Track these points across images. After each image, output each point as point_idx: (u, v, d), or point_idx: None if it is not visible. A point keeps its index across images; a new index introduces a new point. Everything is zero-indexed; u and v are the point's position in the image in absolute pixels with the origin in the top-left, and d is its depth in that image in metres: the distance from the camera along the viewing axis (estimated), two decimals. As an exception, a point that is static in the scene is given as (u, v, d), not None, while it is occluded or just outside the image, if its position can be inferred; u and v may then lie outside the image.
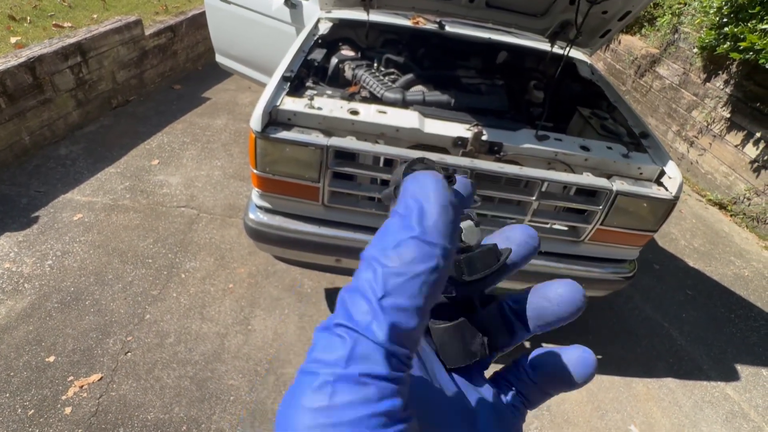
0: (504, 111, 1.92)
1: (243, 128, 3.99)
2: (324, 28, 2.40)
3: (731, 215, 3.89)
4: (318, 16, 2.47)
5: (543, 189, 1.62)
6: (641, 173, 1.75)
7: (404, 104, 1.85)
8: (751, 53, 3.10)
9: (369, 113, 1.68)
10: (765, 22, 2.92)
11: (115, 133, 3.69)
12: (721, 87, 4.18)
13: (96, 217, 2.70)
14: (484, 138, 1.64)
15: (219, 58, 3.78)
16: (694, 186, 4.37)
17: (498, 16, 2.25)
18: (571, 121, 2.20)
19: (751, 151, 3.81)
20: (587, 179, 1.64)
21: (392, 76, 2.15)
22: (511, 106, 2.21)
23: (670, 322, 2.66)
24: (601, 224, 1.72)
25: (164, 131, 3.84)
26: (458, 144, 1.68)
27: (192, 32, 5.14)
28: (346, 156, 1.64)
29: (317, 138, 1.57)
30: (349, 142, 1.58)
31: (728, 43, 3.41)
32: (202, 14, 4.90)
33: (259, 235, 1.81)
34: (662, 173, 1.73)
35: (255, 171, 1.67)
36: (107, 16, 4.17)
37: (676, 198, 1.65)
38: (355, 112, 1.67)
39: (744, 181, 3.86)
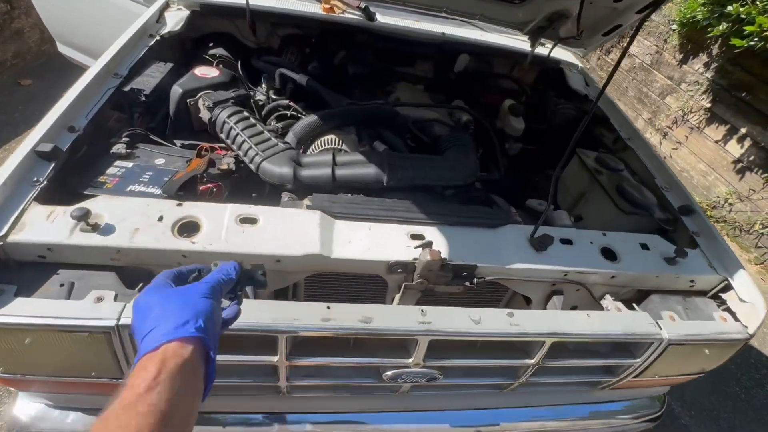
0: (473, 183, 1.15)
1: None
2: (174, 20, 1.44)
3: (711, 221, 3.50)
4: (165, -2, 1.50)
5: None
6: (692, 285, 1.09)
7: (297, 185, 1.03)
8: (756, 40, 2.52)
9: (220, 226, 0.84)
10: (778, 1, 2.33)
11: None
12: (701, 71, 3.66)
13: None
14: (443, 258, 0.88)
15: (61, 48, 2.65)
16: (667, 183, 3.95)
17: (457, 3, 1.42)
18: (567, 170, 1.48)
19: (734, 148, 3.37)
20: (623, 324, 0.95)
21: (285, 118, 1.29)
22: (481, 147, 1.45)
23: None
24: (635, 377, 1.06)
25: (-6, 157, 2.69)
26: (398, 271, 0.91)
27: (44, 1, 3.76)
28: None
29: (94, 308, 0.73)
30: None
31: (726, 24, 2.81)
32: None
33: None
34: (727, 286, 1.08)
35: (-20, 370, 0.80)
36: None
37: (752, 335, 1.02)
38: (191, 228, 0.83)
39: (725, 183, 3.45)
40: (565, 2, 1.36)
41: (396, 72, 1.65)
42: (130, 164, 1.00)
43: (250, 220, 0.87)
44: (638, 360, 0.99)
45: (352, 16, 1.57)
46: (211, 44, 1.54)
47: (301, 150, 1.19)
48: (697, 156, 3.71)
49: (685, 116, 3.80)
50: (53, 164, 0.87)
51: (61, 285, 0.76)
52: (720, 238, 1.15)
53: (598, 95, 0.94)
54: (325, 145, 1.16)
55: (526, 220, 1.09)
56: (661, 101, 4.10)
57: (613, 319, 0.96)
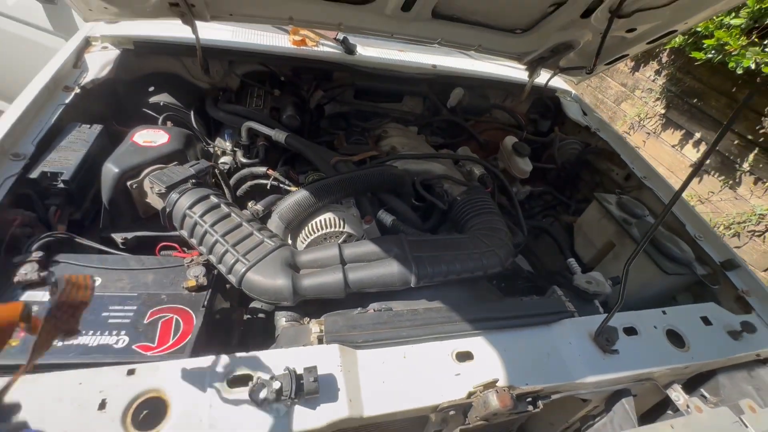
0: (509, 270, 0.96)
1: None
2: (99, 63, 1.11)
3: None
4: (85, 34, 1.16)
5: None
6: (758, 355, 0.97)
7: (297, 299, 0.77)
8: (714, 53, 2.59)
9: (200, 400, 0.57)
10: (734, 15, 2.40)
11: None
12: (653, 78, 3.80)
13: None
14: (514, 399, 0.67)
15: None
16: (629, 186, 4.06)
17: (453, 35, 1.22)
18: (586, 216, 1.34)
19: (691, 152, 3.51)
20: (710, 429, 0.79)
21: (263, 189, 1.02)
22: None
23: None
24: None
25: None
26: (450, 414, 0.69)
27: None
28: None
29: None
30: None
31: (682, 36, 2.88)
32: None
33: None
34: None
35: None
36: None
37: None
38: (154, 412, 0.56)
39: (685, 186, 3.58)
40: (575, 33, 1.21)
41: (382, 111, 1.42)
42: (47, 295, 0.69)
43: (243, 380, 0.60)
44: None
45: (329, 49, 1.32)
46: (151, 88, 1.22)
47: (289, 235, 0.93)
48: (656, 160, 3.83)
49: (642, 122, 3.92)
50: None
51: None
52: (772, 296, 1.05)
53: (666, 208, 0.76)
54: (321, 228, 0.91)
55: (574, 302, 0.91)
56: (617, 107, 4.22)
57: (697, 426, 0.80)
